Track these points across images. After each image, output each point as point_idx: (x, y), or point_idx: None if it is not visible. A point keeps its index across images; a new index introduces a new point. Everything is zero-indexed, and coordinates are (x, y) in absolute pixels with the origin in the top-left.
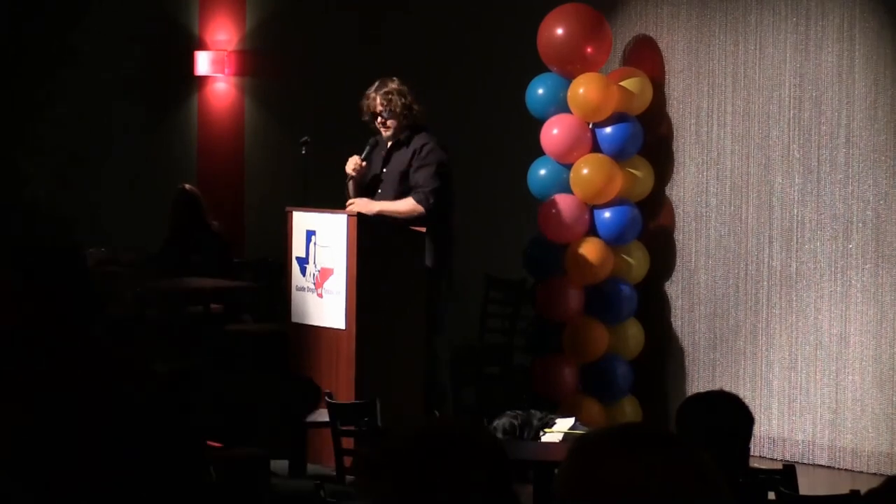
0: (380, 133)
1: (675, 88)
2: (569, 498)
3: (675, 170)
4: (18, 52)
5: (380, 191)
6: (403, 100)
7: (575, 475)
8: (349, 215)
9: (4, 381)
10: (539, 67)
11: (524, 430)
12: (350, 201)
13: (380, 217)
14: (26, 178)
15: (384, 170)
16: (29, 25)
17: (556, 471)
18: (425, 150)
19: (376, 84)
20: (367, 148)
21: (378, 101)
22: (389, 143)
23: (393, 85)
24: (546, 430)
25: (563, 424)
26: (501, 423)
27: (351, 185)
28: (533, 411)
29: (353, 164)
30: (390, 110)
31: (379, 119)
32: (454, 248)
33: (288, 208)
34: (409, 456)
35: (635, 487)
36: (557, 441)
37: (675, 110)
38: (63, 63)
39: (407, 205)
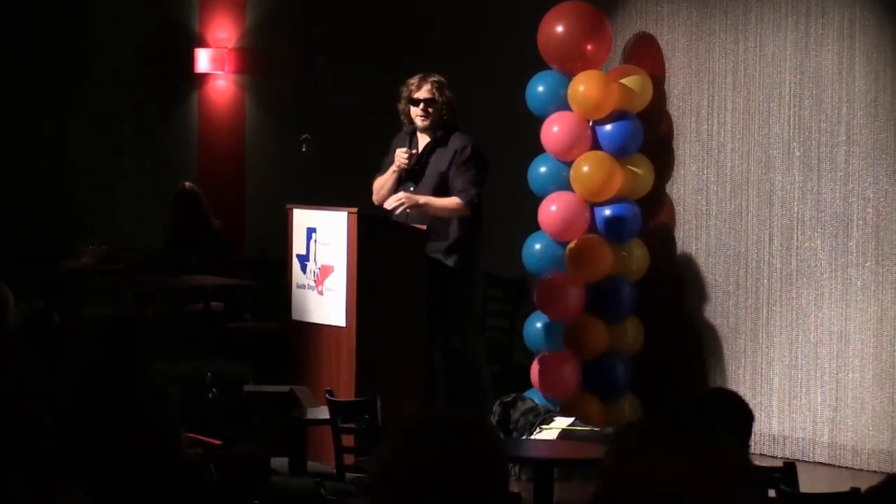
0: (409, 123)
1: (676, 86)
2: (617, 492)
3: (675, 167)
4: (31, 55)
5: (412, 188)
6: (449, 93)
7: (622, 468)
8: (351, 214)
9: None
10: (539, 65)
11: (522, 424)
12: (395, 197)
13: (380, 215)
14: (27, 177)
15: (422, 166)
16: (42, 28)
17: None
18: (467, 151)
19: (420, 75)
20: (406, 137)
21: (425, 88)
22: (427, 141)
23: (440, 77)
24: (543, 426)
25: (562, 422)
26: (494, 409)
27: (393, 177)
28: (538, 407)
29: (405, 155)
30: (435, 100)
31: (421, 106)
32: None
33: (288, 206)
34: (403, 454)
35: (682, 482)
36: (554, 438)
37: (675, 108)
38: (76, 66)
39: (453, 203)
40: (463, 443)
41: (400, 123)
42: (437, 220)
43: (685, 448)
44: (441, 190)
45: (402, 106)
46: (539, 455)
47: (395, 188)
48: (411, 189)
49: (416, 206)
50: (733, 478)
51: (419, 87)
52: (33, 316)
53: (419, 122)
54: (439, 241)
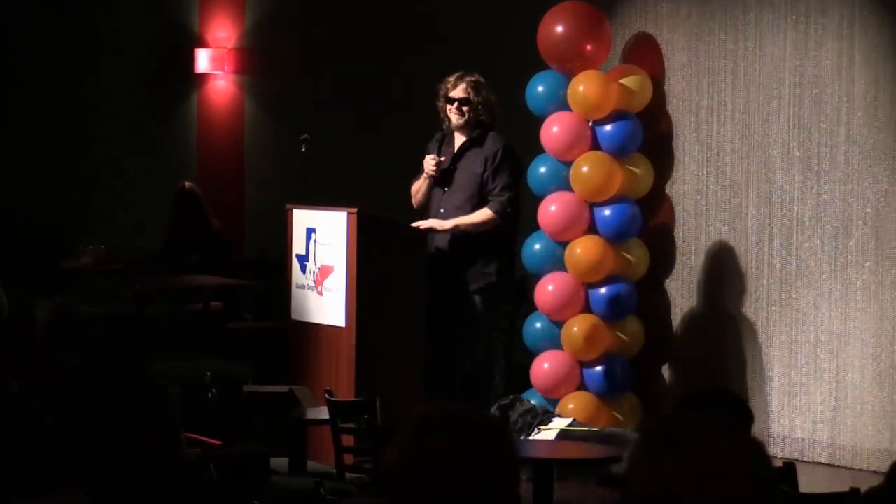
0: (447, 121)
1: (675, 86)
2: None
3: (674, 167)
4: (33, 54)
5: (446, 189)
6: (486, 94)
7: (652, 462)
8: (350, 214)
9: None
10: (539, 65)
11: (521, 425)
12: (420, 223)
13: (378, 214)
14: (27, 177)
15: (456, 167)
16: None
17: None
18: (499, 156)
19: (459, 73)
20: (436, 143)
21: (461, 87)
22: (462, 141)
23: (478, 77)
24: (542, 427)
25: (560, 422)
26: (492, 412)
27: (426, 183)
28: (536, 408)
29: (432, 162)
30: (470, 100)
31: (455, 104)
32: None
33: (288, 206)
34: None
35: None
36: (552, 438)
37: (674, 108)
38: (80, 66)
39: (483, 215)
40: (475, 443)
41: (440, 122)
42: (470, 234)
43: (686, 448)
44: (474, 192)
45: (439, 104)
46: (538, 455)
47: (429, 192)
48: (445, 191)
49: (445, 231)
50: (734, 477)
51: (455, 86)
52: (62, 311)
53: (454, 119)
54: (475, 261)
